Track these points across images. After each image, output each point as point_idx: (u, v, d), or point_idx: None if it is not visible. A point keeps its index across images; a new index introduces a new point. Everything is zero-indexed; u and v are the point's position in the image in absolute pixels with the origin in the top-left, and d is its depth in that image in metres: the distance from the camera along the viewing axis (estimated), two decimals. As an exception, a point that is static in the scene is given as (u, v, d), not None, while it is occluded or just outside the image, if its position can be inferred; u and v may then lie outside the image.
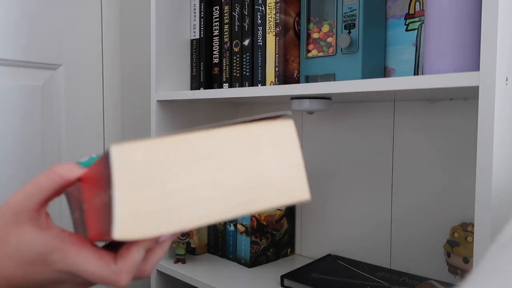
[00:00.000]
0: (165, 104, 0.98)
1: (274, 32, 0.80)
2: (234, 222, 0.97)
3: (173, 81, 0.99)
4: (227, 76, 0.90)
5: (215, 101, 1.06)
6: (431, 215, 0.82)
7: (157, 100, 0.96)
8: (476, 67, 0.56)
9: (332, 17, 0.76)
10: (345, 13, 0.72)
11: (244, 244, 0.95)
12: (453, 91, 0.60)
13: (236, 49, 0.88)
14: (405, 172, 0.85)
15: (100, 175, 0.30)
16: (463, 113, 0.77)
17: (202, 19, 0.95)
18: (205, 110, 1.08)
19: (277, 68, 0.80)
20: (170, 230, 0.28)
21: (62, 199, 1.16)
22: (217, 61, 0.93)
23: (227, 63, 0.90)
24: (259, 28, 0.83)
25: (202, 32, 0.95)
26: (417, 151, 0.83)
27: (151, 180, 0.28)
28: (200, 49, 0.96)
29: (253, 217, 0.94)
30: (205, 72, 0.95)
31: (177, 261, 0.97)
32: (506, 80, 0.51)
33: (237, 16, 0.87)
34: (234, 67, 0.89)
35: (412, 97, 0.78)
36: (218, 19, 0.93)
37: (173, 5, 0.97)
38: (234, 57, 0.89)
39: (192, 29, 0.98)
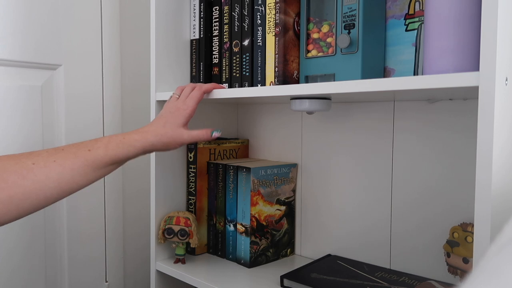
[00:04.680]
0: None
1: (273, 32, 0.80)
2: (234, 222, 0.97)
3: (173, 81, 0.99)
4: (227, 76, 0.90)
5: (215, 101, 1.06)
6: (431, 215, 0.82)
7: (157, 100, 0.96)
8: (476, 67, 0.56)
9: (332, 17, 0.76)
10: (344, 13, 0.72)
11: (244, 244, 0.95)
12: (453, 91, 0.60)
13: (235, 49, 0.88)
14: (404, 172, 0.85)
15: None
16: (463, 113, 0.77)
17: (201, 19, 0.95)
18: (205, 110, 1.08)
19: (276, 68, 0.80)
20: None
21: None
22: (216, 61, 0.93)
23: (227, 63, 0.90)
24: (258, 28, 0.83)
25: (201, 32, 0.95)
26: (416, 151, 0.83)
27: None
28: (200, 49, 0.96)
29: (252, 217, 0.94)
30: (204, 72, 0.95)
31: (177, 261, 0.97)
32: (506, 80, 0.51)
33: (236, 16, 0.87)
34: (234, 67, 0.89)
35: (412, 97, 0.78)
36: (217, 19, 0.93)
37: (173, 5, 0.97)
38: (234, 57, 0.89)
39: (191, 29, 0.98)
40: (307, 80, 0.79)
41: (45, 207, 0.63)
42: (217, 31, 0.93)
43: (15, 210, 0.60)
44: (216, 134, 0.80)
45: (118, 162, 0.70)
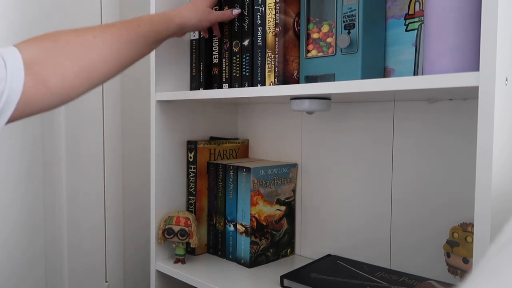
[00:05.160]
0: (164, 104, 0.98)
1: (273, 32, 0.80)
2: (234, 222, 0.97)
3: (172, 81, 0.99)
4: (227, 76, 0.90)
5: (215, 101, 1.06)
6: (431, 215, 0.82)
7: (157, 101, 0.96)
8: (476, 67, 0.56)
9: (332, 17, 0.75)
10: (344, 13, 0.72)
11: (244, 244, 0.95)
12: (453, 91, 0.60)
13: (235, 49, 0.88)
14: (404, 172, 0.85)
15: None
16: (463, 113, 0.77)
17: (201, 19, 0.95)
18: (205, 110, 1.08)
19: (276, 68, 0.80)
20: None
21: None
22: (216, 61, 0.93)
23: (227, 63, 0.90)
24: (258, 28, 0.83)
25: (201, 32, 0.95)
26: (416, 151, 0.83)
27: None
28: (200, 49, 0.96)
29: (252, 217, 0.94)
30: (204, 72, 0.95)
31: (177, 261, 0.97)
32: (506, 80, 0.51)
33: (236, 16, 0.87)
34: (234, 67, 0.89)
35: (412, 97, 0.78)
36: (217, 19, 0.93)
37: (172, 5, 0.97)
38: (234, 57, 0.89)
39: (191, 29, 0.98)
40: (307, 80, 0.79)
41: (107, 81, 0.67)
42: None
43: (86, 82, 0.63)
44: (236, 12, 0.86)
45: (159, 40, 0.77)
